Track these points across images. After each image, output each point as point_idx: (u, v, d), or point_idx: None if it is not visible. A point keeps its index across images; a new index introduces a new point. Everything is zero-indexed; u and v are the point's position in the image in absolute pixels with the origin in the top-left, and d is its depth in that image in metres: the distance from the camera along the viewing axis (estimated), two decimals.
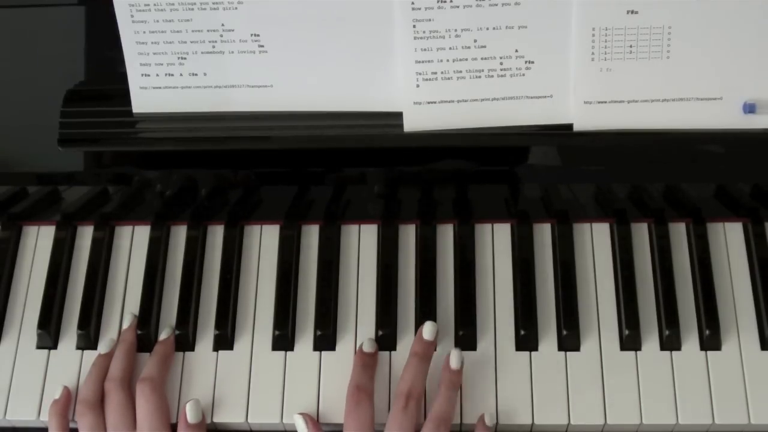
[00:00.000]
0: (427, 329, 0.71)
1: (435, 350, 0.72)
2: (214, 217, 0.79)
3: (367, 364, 0.71)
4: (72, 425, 0.71)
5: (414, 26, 0.67)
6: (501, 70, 0.69)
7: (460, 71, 0.69)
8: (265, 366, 0.73)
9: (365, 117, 0.71)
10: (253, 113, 0.72)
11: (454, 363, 0.69)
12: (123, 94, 0.72)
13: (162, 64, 0.71)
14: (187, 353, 0.74)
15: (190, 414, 0.69)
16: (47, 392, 0.74)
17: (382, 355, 0.73)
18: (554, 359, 0.72)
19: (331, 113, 0.71)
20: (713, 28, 0.67)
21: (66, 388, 0.72)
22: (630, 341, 0.72)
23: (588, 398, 0.71)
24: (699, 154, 0.71)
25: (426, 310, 0.74)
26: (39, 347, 0.75)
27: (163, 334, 0.74)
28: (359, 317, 0.75)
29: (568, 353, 0.72)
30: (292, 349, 0.74)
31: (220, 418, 0.72)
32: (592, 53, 0.68)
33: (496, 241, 0.78)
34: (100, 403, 0.70)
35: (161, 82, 0.71)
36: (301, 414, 0.70)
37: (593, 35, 0.67)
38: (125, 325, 0.75)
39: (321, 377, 0.73)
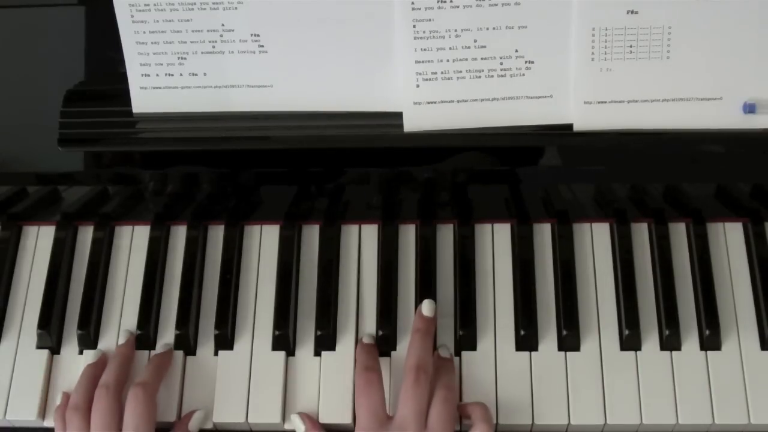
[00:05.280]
0: (426, 306, 0.72)
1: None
2: (214, 217, 0.79)
3: (370, 351, 0.71)
4: None
5: (414, 26, 0.67)
6: (501, 70, 0.69)
7: (460, 71, 0.69)
8: (265, 366, 0.73)
9: (365, 117, 0.71)
10: (253, 113, 0.72)
11: (444, 353, 0.72)
12: (123, 94, 0.72)
13: (162, 64, 0.71)
14: (187, 353, 0.74)
15: (194, 424, 0.71)
16: (47, 392, 0.74)
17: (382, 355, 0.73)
18: (554, 359, 0.72)
19: (331, 113, 0.71)
20: (713, 29, 0.67)
21: (65, 393, 0.73)
22: (630, 341, 0.72)
23: (588, 398, 0.71)
24: (699, 154, 0.71)
25: None
26: (39, 347, 0.75)
27: (160, 348, 0.74)
28: (359, 317, 0.75)
29: (568, 353, 0.72)
30: (292, 349, 0.74)
31: (220, 418, 0.72)
32: (592, 53, 0.68)
33: (496, 241, 0.78)
34: (88, 408, 0.70)
35: (161, 82, 0.71)
36: (298, 414, 0.71)
37: (593, 35, 0.67)
38: (121, 342, 0.75)
39: (321, 377, 0.73)
